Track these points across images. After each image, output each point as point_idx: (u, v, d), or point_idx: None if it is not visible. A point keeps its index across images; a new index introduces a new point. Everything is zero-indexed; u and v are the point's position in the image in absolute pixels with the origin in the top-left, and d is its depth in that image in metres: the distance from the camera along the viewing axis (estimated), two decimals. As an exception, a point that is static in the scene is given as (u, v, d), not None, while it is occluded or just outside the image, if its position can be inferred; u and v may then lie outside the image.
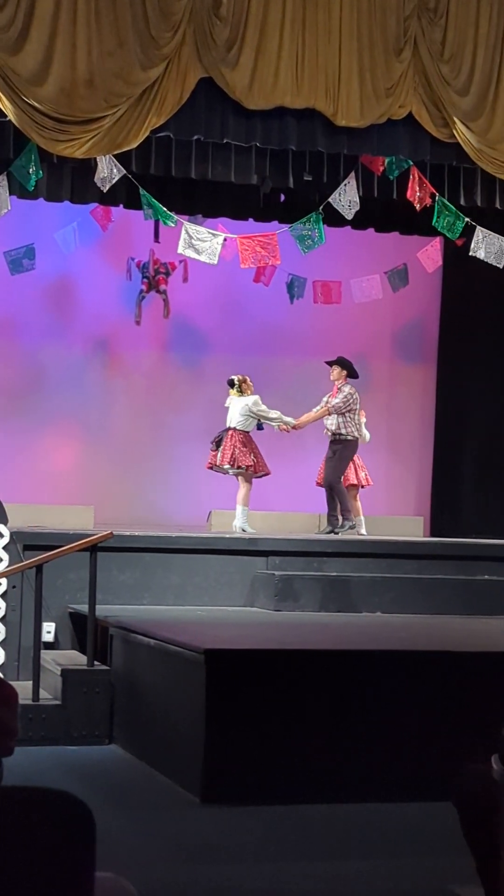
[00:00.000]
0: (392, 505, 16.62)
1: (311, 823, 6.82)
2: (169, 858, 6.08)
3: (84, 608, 9.56)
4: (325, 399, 13.70)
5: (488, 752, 3.36)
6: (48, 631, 10.45)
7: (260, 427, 13.52)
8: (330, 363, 13.91)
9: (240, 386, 13.52)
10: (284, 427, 13.60)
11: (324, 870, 5.97)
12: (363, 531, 13.75)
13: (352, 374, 13.81)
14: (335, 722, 7.43)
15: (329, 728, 7.41)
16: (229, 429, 13.35)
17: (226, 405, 13.63)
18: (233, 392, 13.56)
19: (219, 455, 13.28)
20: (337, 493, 13.60)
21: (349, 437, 13.55)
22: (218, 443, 13.36)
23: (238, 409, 13.39)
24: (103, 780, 7.97)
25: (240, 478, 13.36)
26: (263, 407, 13.40)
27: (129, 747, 8.75)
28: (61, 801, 2.59)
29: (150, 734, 8.42)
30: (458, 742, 7.04)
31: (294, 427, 13.65)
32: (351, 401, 13.53)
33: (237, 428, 13.30)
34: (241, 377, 13.60)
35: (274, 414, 13.44)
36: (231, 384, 13.60)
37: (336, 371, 13.79)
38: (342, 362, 13.86)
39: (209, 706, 7.29)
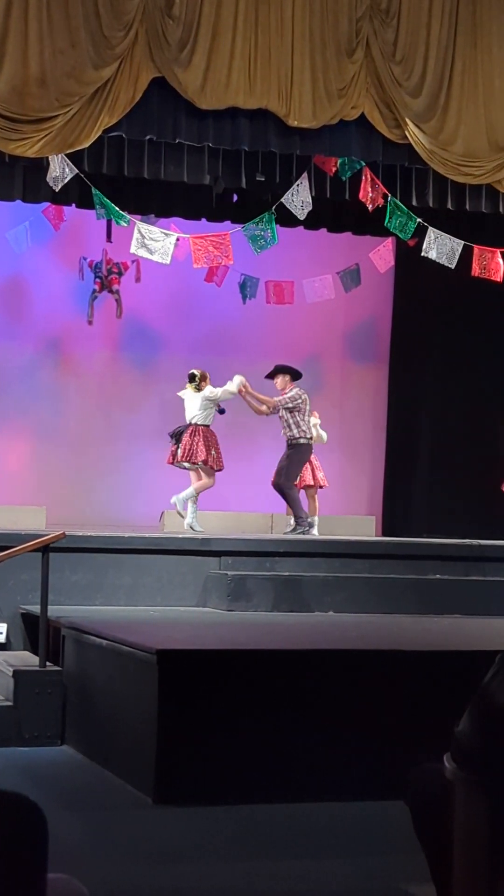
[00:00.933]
0: (344, 504, 16.65)
1: (264, 823, 6.82)
2: (121, 859, 6.07)
3: (36, 609, 9.52)
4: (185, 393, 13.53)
5: (440, 751, 3.38)
6: (0, 632, 10.40)
7: (221, 411, 13.37)
8: (270, 376, 13.81)
9: (199, 383, 13.29)
10: (242, 389, 13.38)
11: (277, 869, 5.97)
12: (315, 531, 13.77)
13: (295, 375, 13.76)
14: (287, 722, 7.43)
15: (281, 728, 7.41)
16: (190, 424, 13.25)
17: (179, 394, 13.48)
18: (190, 387, 13.34)
19: (178, 451, 13.13)
20: (288, 499, 13.57)
21: (301, 441, 13.51)
22: (177, 437, 13.19)
23: (197, 403, 13.24)
24: (55, 782, 7.94)
25: (195, 472, 13.25)
26: (217, 390, 13.24)
27: (81, 748, 8.72)
28: (13, 802, 2.58)
29: (103, 735, 8.40)
30: (411, 741, 7.06)
31: (242, 387, 13.40)
32: (299, 401, 13.45)
33: (198, 423, 13.18)
34: (201, 372, 13.35)
35: (230, 389, 13.24)
36: (192, 378, 13.31)
37: (280, 380, 13.67)
38: (282, 370, 13.75)
39: (161, 707, 7.28)
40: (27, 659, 9.87)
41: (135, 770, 7.54)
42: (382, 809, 6.62)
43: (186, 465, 13.18)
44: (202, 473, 13.20)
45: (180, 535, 12.42)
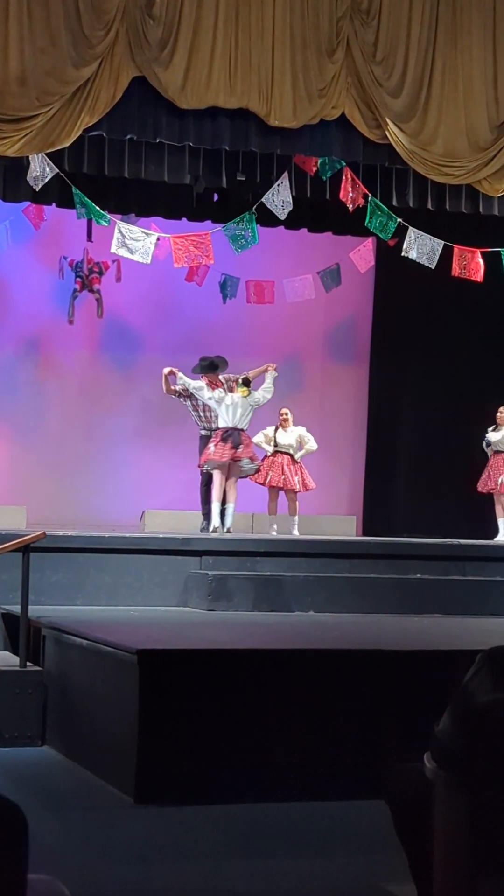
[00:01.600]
0: (325, 504, 16.66)
1: (245, 823, 6.82)
2: (102, 859, 6.06)
3: (16, 609, 9.50)
4: (218, 394, 13.30)
5: (420, 751, 3.38)
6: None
7: None
8: (216, 374, 13.65)
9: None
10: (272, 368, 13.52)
11: (257, 869, 5.97)
12: (296, 531, 13.78)
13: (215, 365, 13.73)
14: (268, 721, 7.43)
15: (262, 727, 7.42)
16: (238, 429, 12.98)
17: (227, 403, 13.02)
18: (242, 391, 13.08)
19: (240, 450, 12.95)
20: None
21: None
22: (231, 440, 12.93)
23: (246, 409, 13.02)
24: (36, 782, 7.92)
25: (224, 474, 13.09)
26: (258, 394, 13.20)
27: (61, 749, 8.71)
28: (-6, 803, 2.58)
29: (84, 735, 8.38)
30: (391, 740, 7.07)
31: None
32: None
33: (244, 429, 13.06)
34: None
35: (265, 388, 13.28)
36: (247, 383, 13.17)
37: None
38: (212, 365, 13.68)
39: (142, 706, 7.27)
40: (7, 659, 9.84)
41: (116, 770, 7.53)
42: (363, 809, 6.62)
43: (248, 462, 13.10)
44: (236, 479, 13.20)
45: (161, 535, 12.41)
